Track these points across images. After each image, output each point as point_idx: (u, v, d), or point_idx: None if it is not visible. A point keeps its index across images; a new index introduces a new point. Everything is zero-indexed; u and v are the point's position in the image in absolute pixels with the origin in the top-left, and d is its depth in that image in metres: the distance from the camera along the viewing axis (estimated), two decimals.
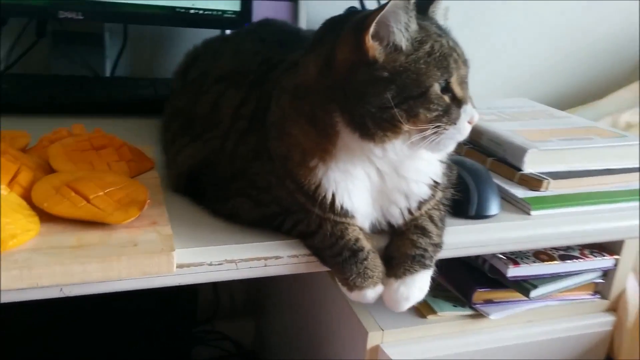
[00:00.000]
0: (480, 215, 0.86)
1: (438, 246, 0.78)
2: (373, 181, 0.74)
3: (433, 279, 0.77)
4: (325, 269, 0.75)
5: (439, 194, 0.79)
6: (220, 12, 1.28)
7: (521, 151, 0.97)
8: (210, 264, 0.71)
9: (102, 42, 1.36)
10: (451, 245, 0.81)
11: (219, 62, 0.96)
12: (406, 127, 0.66)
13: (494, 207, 0.87)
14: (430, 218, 0.78)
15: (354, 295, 0.73)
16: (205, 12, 1.27)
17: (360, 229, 0.75)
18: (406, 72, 0.64)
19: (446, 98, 0.67)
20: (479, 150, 1.07)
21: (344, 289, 0.74)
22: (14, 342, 1.30)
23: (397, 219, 0.77)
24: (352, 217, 0.74)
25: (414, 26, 0.65)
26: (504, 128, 1.07)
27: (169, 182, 0.86)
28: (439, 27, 0.70)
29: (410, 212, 0.77)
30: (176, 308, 1.39)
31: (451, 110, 0.67)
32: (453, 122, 0.68)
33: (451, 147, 0.71)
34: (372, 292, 0.73)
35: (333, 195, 0.72)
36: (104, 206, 0.69)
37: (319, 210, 0.72)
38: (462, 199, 0.85)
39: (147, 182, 0.81)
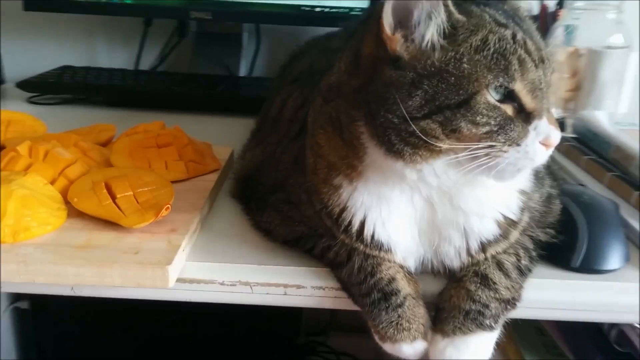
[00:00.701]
0: (588, 267, 0.65)
1: (509, 303, 0.60)
2: (418, 210, 0.59)
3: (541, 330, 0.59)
4: (355, 308, 0.62)
5: (514, 235, 0.61)
6: (347, 10, 1.20)
7: None
8: (222, 284, 0.63)
9: (239, 43, 1.37)
10: (536, 304, 0.62)
11: (301, 61, 0.88)
12: (444, 144, 0.51)
13: (613, 258, 0.65)
14: (499, 265, 0.60)
15: (387, 347, 0.59)
16: (332, 10, 1.20)
17: (402, 267, 0.61)
18: (441, 73, 0.49)
19: (505, 109, 0.50)
20: (627, 181, 0.82)
21: (376, 337, 0.61)
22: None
23: (452, 261, 0.61)
24: (388, 251, 0.60)
25: (453, 12, 0.50)
26: None
27: (230, 187, 0.81)
28: (506, 13, 0.53)
29: (469, 253, 0.60)
30: (283, 320, 1.35)
31: (512, 125, 0.50)
32: (515, 142, 0.51)
33: (517, 175, 0.54)
34: (409, 348, 0.58)
35: (363, 223, 0.59)
36: (126, 207, 0.66)
37: (346, 238, 0.60)
38: (566, 243, 0.65)
39: (198, 185, 0.77)
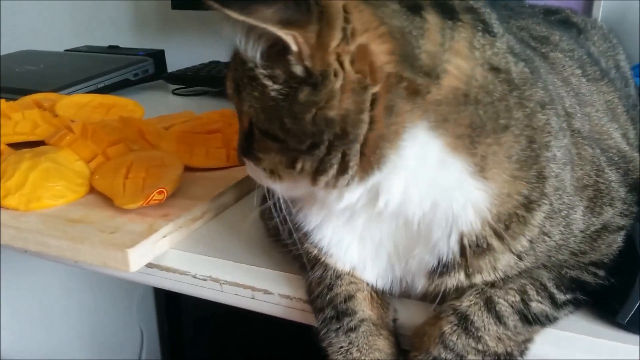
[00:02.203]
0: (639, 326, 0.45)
1: (498, 358, 0.45)
2: (383, 225, 0.47)
3: None
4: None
5: (526, 261, 0.46)
6: None
7: None
8: (194, 277, 0.59)
9: None
10: None
11: None
12: None
13: None
14: (488, 304, 0.45)
15: None
16: None
17: (367, 284, 0.50)
18: None
19: None
20: None
21: None
22: None
23: (420, 287, 0.48)
24: (339, 262, 0.50)
25: None
26: None
27: None
28: None
29: (432, 273, 0.47)
30: None
31: None
32: None
33: None
34: None
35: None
36: (129, 187, 0.66)
37: (304, 240, 0.51)
38: (616, 289, 0.47)
39: (229, 175, 0.74)
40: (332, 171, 0.41)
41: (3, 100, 0.95)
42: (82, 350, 1.39)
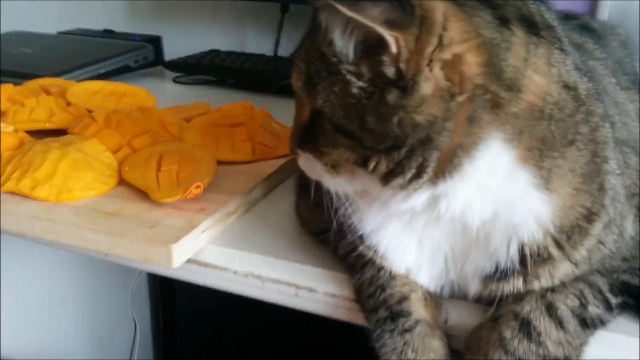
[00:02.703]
0: None
1: None
2: (442, 227, 0.48)
3: None
4: (366, 324, 0.53)
5: (581, 268, 0.47)
6: None
7: None
8: (235, 273, 0.59)
9: None
10: None
11: None
12: None
13: None
14: (549, 309, 0.47)
15: None
16: None
17: (425, 288, 0.51)
18: None
19: None
20: None
21: None
22: None
23: (474, 291, 0.49)
24: (395, 264, 0.50)
25: None
26: None
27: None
28: None
29: (488, 279, 0.48)
30: None
31: None
32: None
33: None
34: None
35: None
36: (164, 180, 0.65)
37: (359, 242, 0.52)
38: None
39: (261, 169, 0.74)
40: (410, 174, 0.42)
41: (10, 85, 0.92)
42: (76, 339, 1.37)
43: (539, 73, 0.41)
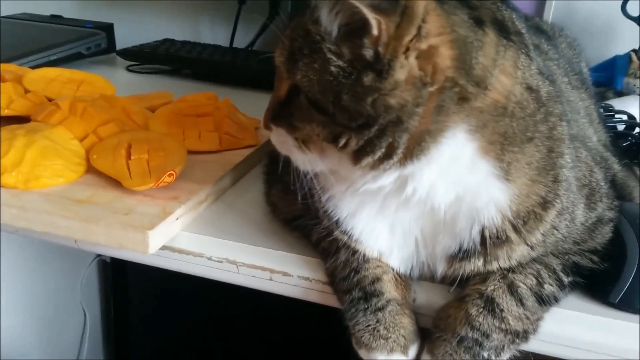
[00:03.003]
0: (628, 305, 0.53)
1: (518, 336, 0.50)
2: (410, 210, 0.51)
3: None
4: (338, 305, 0.56)
5: (537, 251, 0.51)
6: None
7: None
8: (210, 259, 0.61)
9: None
10: (554, 339, 0.52)
11: None
12: None
13: None
14: (511, 288, 0.51)
15: (362, 354, 0.53)
16: None
17: (392, 268, 0.54)
18: None
19: None
20: None
21: (353, 342, 0.54)
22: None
23: (440, 271, 0.53)
24: (368, 248, 0.54)
25: None
26: None
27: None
28: None
29: (453, 258, 0.52)
30: None
31: None
32: None
33: None
34: (383, 359, 0.52)
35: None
36: (135, 168, 0.66)
37: (333, 228, 0.54)
38: (608, 272, 0.54)
39: (228, 159, 0.75)
40: (379, 154, 0.45)
41: None
42: (25, 328, 1.34)
43: (506, 74, 0.45)
